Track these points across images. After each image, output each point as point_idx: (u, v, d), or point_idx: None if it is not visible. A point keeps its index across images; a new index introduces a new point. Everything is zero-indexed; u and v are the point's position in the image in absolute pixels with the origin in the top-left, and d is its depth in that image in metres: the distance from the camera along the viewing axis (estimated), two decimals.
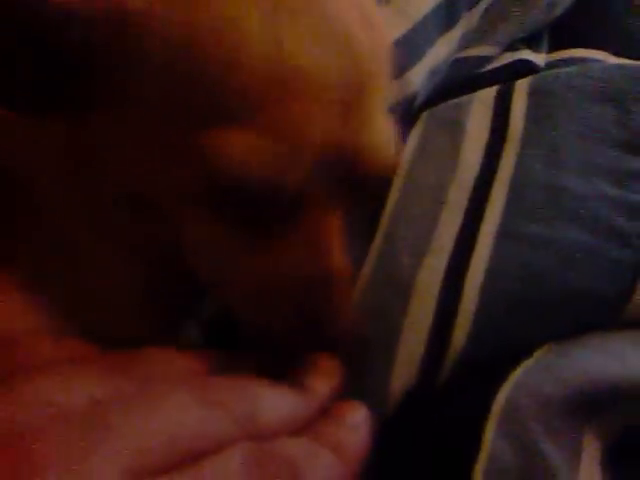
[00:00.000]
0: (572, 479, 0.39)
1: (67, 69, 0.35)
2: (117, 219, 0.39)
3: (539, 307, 0.45)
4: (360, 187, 0.37)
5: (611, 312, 0.45)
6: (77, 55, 0.34)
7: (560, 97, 0.53)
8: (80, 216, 0.40)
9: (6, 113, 0.37)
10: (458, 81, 0.60)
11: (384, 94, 0.37)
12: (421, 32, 0.55)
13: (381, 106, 0.37)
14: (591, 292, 0.45)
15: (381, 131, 0.36)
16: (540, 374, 0.42)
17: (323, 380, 0.38)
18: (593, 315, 0.45)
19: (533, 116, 0.52)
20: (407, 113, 0.55)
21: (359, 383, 0.45)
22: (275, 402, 0.35)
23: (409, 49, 0.54)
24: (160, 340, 0.37)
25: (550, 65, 0.65)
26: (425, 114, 0.55)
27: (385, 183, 0.41)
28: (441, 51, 0.56)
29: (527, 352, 0.44)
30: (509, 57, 0.63)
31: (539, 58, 0.65)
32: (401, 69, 0.54)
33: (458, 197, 0.49)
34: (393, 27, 0.54)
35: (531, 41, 0.66)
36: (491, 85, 0.58)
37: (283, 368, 0.37)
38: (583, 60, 0.65)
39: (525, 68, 0.62)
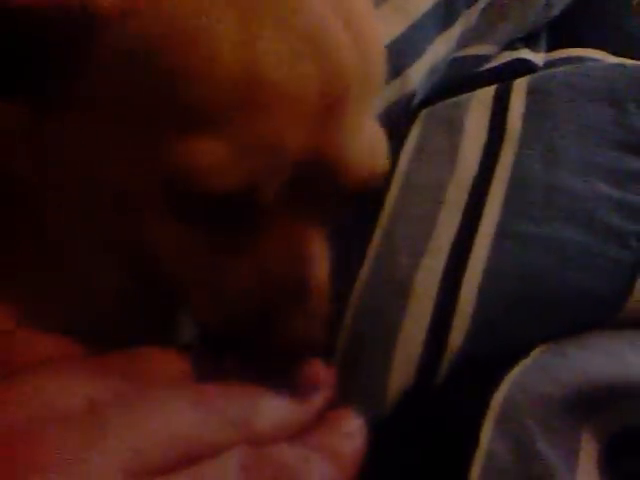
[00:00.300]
0: (570, 479, 0.39)
1: (38, 67, 0.34)
2: (98, 218, 0.39)
3: (537, 307, 0.45)
4: (347, 196, 0.36)
5: (609, 312, 0.45)
6: (47, 54, 0.34)
7: (558, 96, 0.53)
8: (65, 215, 0.40)
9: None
10: (457, 80, 0.60)
11: (372, 100, 0.36)
12: (420, 30, 0.55)
13: (367, 113, 0.36)
14: (589, 292, 0.45)
15: (366, 140, 0.35)
16: (538, 374, 0.42)
17: (318, 388, 0.38)
18: (591, 315, 0.45)
19: (531, 115, 0.52)
20: (406, 111, 0.55)
21: (357, 382, 0.45)
22: (272, 408, 0.35)
23: (408, 47, 0.54)
24: (153, 340, 0.37)
25: (549, 64, 0.65)
26: (424, 113, 0.55)
27: (375, 191, 0.38)
28: (440, 49, 0.56)
29: (525, 352, 0.44)
30: (508, 56, 0.63)
31: (538, 57, 0.65)
32: (400, 67, 0.54)
33: (456, 197, 0.49)
34: (392, 25, 0.54)
35: (530, 40, 0.66)
36: (490, 84, 0.58)
37: (276, 371, 0.36)
38: (581, 59, 0.65)
39: (524, 67, 0.62)
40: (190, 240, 0.35)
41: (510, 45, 0.64)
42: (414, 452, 0.43)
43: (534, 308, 0.45)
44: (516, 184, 0.49)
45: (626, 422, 0.42)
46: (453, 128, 0.53)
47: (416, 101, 0.56)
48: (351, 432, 0.37)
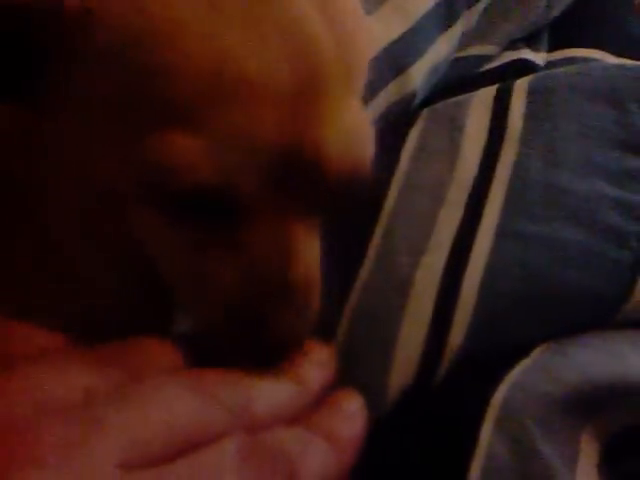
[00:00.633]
0: (569, 479, 0.39)
1: (19, 64, 0.34)
2: (94, 217, 0.39)
3: (537, 306, 0.45)
4: (335, 189, 0.35)
5: (609, 311, 0.45)
6: (28, 50, 0.34)
7: (559, 96, 0.53)
8: (63, 215, 0.40)
9: None
10: (458, 80, 0.60)
11: (354, 89, 0.35)
12: (421, 30, 0.55)
13: (349, 102, 0.35)
14: (589, 291, 0.45)
15: (347, 129, 0.34)
16: (538, 373, 0.42)
17: (317, 369, 0.38)
18: (591, 314, 0.45)
19: (532, 115, 0.52)
20: (407, 111, 0.55)
21: (357, 381, 0.45)
22: (269, 392, 0.35)
23: (409, 47, 0.54)
24: (155, 332, 0.37)
25: (550, 64, 0.65)
26: (424, 112, 0.55)
27: (365, 186, 0.37)
28: (442, 49, 0.56)
29: (525, 351, 0.44)
30: (509, 56, 0.64)
31: (539, 57, 0.65)
32: (401, 67, 0.54)
33: (457, 196, 0.49)
34: (392, 25, 0.54)
35: (531, 40, 0.66)
36: (491, 84, 0.58)
37: (275, 357, 0.36)
38: (583, 60, 0.65)
39: (525, 67, 0.63)
40: (175, 237, 0.35)
41: (511, 45, 0.64)
42: (413, 451, 0.43)
43: (534, 307, 0.45)
44: (516, 183, 0.49)
45: (626, 422, 0.42)
46: (454, 127, 0.53)
47: (417, 101, 0.56)
48: (351, 414, 0.37)
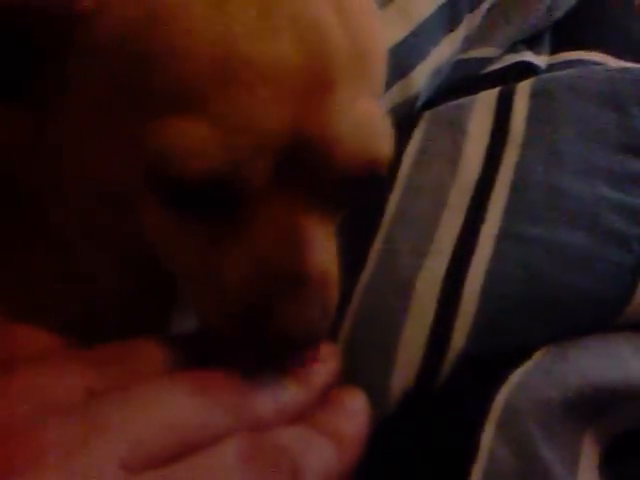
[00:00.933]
0: None
1: (21, 58, 0.34)
2: (97, 216, 0.39)
3: (538, 308, 0.45)
4: (346, 181, 0.35)
5: (610, 314, 0.45)
6: (29, 44, 0.34)
7: (561, 100, 0.53)
8: (67, 214, 0.40)
9: None
10: (460, 82, 0.60)
11: (368, 84, 0.35)
12: (424, 33, 0.55)
13: (361, 96, 0.34)
14: (590, 294, 0.45)
15: (357, 121, 0.34)
16: (539, 377, 0.42)
17: (320, 367, 0.38)
18: (592, 317, 0.45)
19: (534, 118, 0.52)
20: (409, 113, 0.55)
21: (358, 383, 0.45)
22: (272, 391, 0.35)
23: (412, 49, 0.54)
24: (154, 331, 0.37)
25: (551, 67, 0.65)
26: (427, 115, 0.55)
27: (374, 178, 0.36)
28: (444, 51, 0.57)
29: (526, 354, 0.44)
30: (510, 59, 0.64)
31: (540, 60, 0.65)
32: (404, 69, 0.54)
33: (459, 199, 0.49)
34: (396, 27, 0.54)
35: (532, 42, 0.67)
36: (493, 86, 0.58)
37: (276, 357, 0.36)
38: (584, 62, 0.65)
39: (526, 70, 0.63)
40: (181, 231, 0.35)
41: (513, 48, 0.65)
42: (415, 454, 0.43)
43: (536, 310, 0.45)
44: (519, 186, 0.49)
45: (627, 425, 0.42)
46: (456, 130, 0.53)
47: (420, 103, 0.56)
48: (354, 412, 0.37)
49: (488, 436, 0.41)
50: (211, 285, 0.35)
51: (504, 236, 0.47)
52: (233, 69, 0.31)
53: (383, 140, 0.35)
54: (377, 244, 0.49)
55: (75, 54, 0.34)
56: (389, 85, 0.53)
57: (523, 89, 0.54)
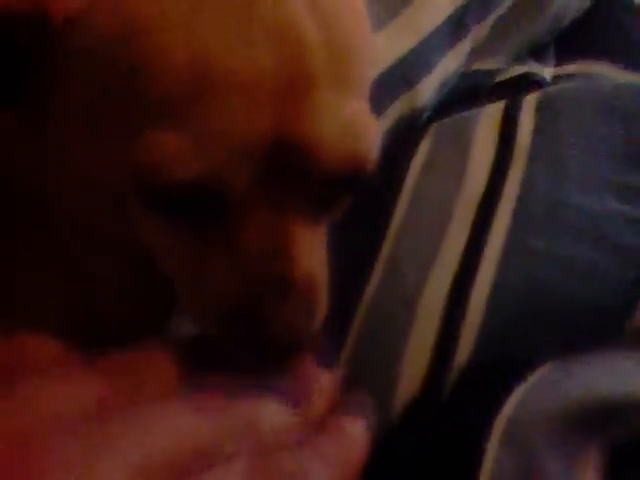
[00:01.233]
0: None
1: (15, 58, 0.34)
2: (95, 217, 0.39)
3: (543, 321, 0.45)
4: (326, 183, 0.34)
5: (613, 327, 0.46)
6: (14, 54, 0.34)
7: (568, 113, 0.53)
8: (67, 216, 0.41)
9: None
10: (466, 93, 0.60)
11: (353, 92, 0.35)
12: (431, 45, 0.55)
13: (345, 102, 0.34)
14: (594, 307, 0.46)
15: (340, 123, 0.33)
16: (544, 391, 0.43)
17: (321, 392, 0.38)
18: (596, 330, 0.46)
19: (540, 132, 0.52)
20: (416, 125, 0.55)
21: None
22: (275, 414, 0.35)
23: (419, 62, 0.54)
24: (154, 333, 0.37)
25: (557, 79, 0.65)
26: (433, 127, 0.56)
27: (360, 178, 0.36)
28: (450, 64, 0.57)
29: (531, 367, 0.44)
30: (516, 70, 0.64)
31: (546, 71, 0.65)
32: (411, 81, 0.54)
33: (465, 211, 0.49)
34: (402, 40, 0.54)
35: (537, 54, 0.67)
36: (499, 98, 0.58)
37: (276, 356, 0.36)
38: (589, 74, 0.66)
39: (532, 81, 0.63)
40: (171, 237, 0.35)
41: (518, 59, 0.65)
42: (419, 466, 0.43)
43: (541, 322, 0.45)
44: (524, 199, 0.49)
45: (630, 437, 0.43)
46: (462, 143, 0.53)
47: (426, 115, 0.56)
48: (354, 438, 0.37)
49: (493, 448, 0.41)
50: (201, 288, 0.36)
51: (509, 249, 0.47)
52: (210, 80, 0.31)
53: (368, 139, 0.35)
54: (383, 256, 0.49)
55: (64, 56, 0.34)
56: (396, 96, 0.54)
57: (529, 103, 0.55)
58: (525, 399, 0.42)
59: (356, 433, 0.37)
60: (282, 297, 0.34)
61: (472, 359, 0.45)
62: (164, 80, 0.31)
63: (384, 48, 0.52)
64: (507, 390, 0.43)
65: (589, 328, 0.46)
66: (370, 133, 0.35)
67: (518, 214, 0.49)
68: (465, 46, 0.58)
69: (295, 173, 0.33)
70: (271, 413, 0.35)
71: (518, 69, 0.64)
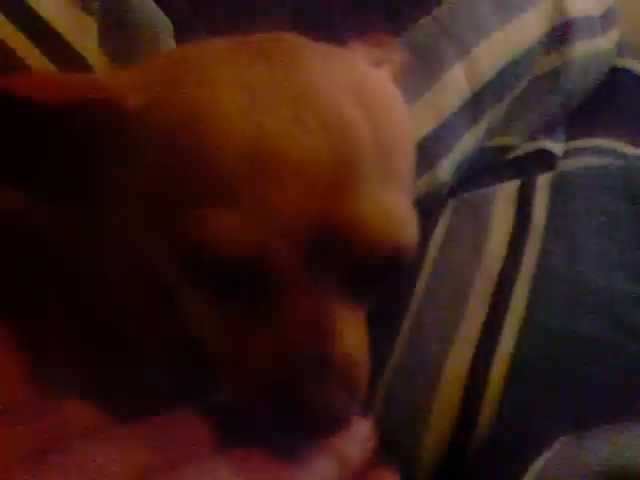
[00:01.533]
0: None
1: (69, 159, 0.37)
2: (140, 298, 0.41)
3: (559, 397, 0.47)
4: (367, 268, 0.36)
5: (629, 405, 0.47)
6: (78, 147, 0.37)
7: (580, 194, 0.56)
8: (114, 297, 0.43)
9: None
10: (483, 169, 0.63)
11: (396, 183, 0.37)
12: (449, 128, 0.58)
13: (389, 192, 0.36)
14: (609, 384, 0.47)
15: (382, 211, 0.35)
16: (560, 466, 0.44)
17: (357, 445, 0.38)
18: (611, 406, 0.47)
19: (554, 212, 0.55)
20: (436, 202, 0.58)
21: (386, 461, 0.47)
22: (311, 469, 0.36)
23: (439, 142, 0.57)
24: (189, 402, 0.39)
25: (568, 154, 0.68)
26: (451, 203, 0.58)
27: (397, 266, 0.38)
28: (468, 144, 0.59)
29: (547, 442, 0.46)
30: (530, 146, 0.67)
31: (557, 147, 0.68)
32: (431, 161, 0.57)
33: (484, 287, 0.52)
34: (423, 122, 0.57)
35: (549, 130, 0.70)
36: (514, 173, 0.61)
37: (312, 434, 0.37)
38: (600, 149, 0.68)
39: (545, 157, 0.66)
40: (216, 311, 0.36)
41: (532, 135, 0.68)
42: None
43: (557, 398, 0.47)
44: (540, 277, 0.51)
45: None
46: (480, 219, 0.56)
47: (445, 191, 0.59)
48: None
49: None
50: (242, 364, 0.37)
51: (527, 326, 0.49)
52: (264, 165, 0.33)
53: (407, 228, 0.37)
54: (405, 328, 0.51)
55: (118, 151, 0.37)
56: (417, 176, 0.56)
57: (544, 182, 0.57)
58: (542, 475, 0.44)
59: None
60: (322, 376, 0.35)
61: (491, 433, 0.46)
62: (219, 162, 0.34)
63: None
64: (525, 465, 0.45)
65: (604, 404, 0.47)
66: (409, 224, 0.37)
67: (535, 292, 0.51)
68: (482, 127, 0.61)
69: (339, 256, 0.35)
70: (308, 468, 0.36)
71: (532, 145, 0.67)
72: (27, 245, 0.43)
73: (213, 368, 0.41)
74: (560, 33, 0.68)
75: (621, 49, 0.79)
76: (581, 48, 0.70)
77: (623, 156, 0.66)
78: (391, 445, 0.47)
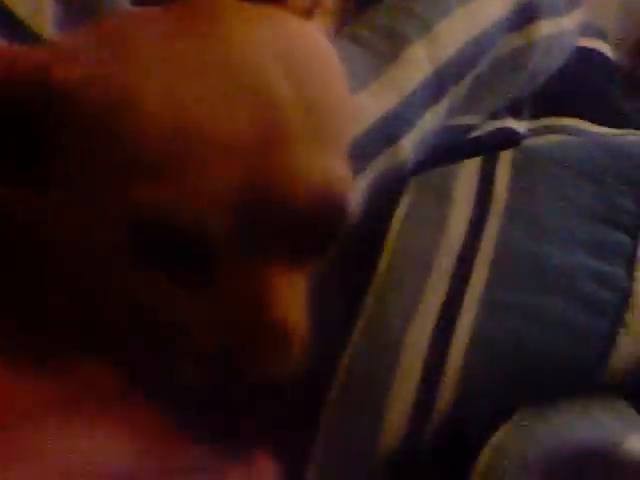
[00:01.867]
0: None
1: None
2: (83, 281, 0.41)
3: (520, 372, 0.47)
4: (303, 232, 0.37)
5: (588, 378, 0.47)
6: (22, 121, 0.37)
7: (541, 171, 0.56)
8: (65, 275, 0.42)
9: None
10: (444, 148, 0.62)
11: (330, 149, 0.38)
12: (411, 104, 0.57)
13: (321, 154, 0.37)
14: (569, 359, 0.48)
15: (315, 176, 0.36)
16: (520, 437, 0.44)
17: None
18: (571, 380, 0.48)
19: (516, 188, 0.55)
20: (397, 180, 0.58)
21: (347, 444, 0.47)
22: None
23: (400, 120, 0.57)
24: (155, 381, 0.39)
25: (532, 132, 0.68)
26: (413, 181, 0.58)
27: (334, 232, 0.39)
28: (429, 122, 0.59)
29: (507, 415, 0.46)
30: (492, 125, 0.66)
31: (521, 126, 0.68)
32: (393, 138, 0.56)
33: (444, 264, 0.51)
34: (384, 100, 0.56)
35: (513, 108, 0.69)
36: (476, 152, 0.60)
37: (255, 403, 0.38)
38: (563, 127, 0.68)
39: (508, 136, 0.66)
40: (156, 286, 0.37)
41: (495, 114, 0.67)
42: None
43: (517, 373, 0.47)
44: (501, 254, 0.51)
45: None
46: (441, 197, 0.55)
47: (407, 169, 0.59)
48: None
49: None
50: (180, 335, 0.37)
51: (487, 302, 0.49)
52: (188, 141, 0.34)
53: (341, 192, 0.38)
54: (368, 304, 0.51)
55: (62, 125, 0.37)
56: (378, 153, 0.56)
57: (505, 159, 0.57)
58: (501, 447, 0.44)
59: None
60: (258, 343, 0.36)
61: (452, 408, 0.46)
62: (148, 142, 0.35)
63: (367, 107, 0.55)
64: (484, 439, 0.45)
65: (565, 378, 0.48)
66: (344, 188, 0.38)
67: (495, 267, 0.51)
68: (443, 105, 0.61)
69: (272, 222, 0.36)
70: None
71: (494, 124, 0.67)
72: None
73: (159, 343, 0.41)
74: (524, 12, 0.68)
75: (586, 29, 0.79)
76: (545, 27, 0.69)
77: (585, 134, 0.66)
78: (352, 424, 0.47)
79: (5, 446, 0.35)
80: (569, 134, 0.66)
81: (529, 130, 0.68)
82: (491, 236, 0.52)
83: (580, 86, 0.74)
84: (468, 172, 0.57)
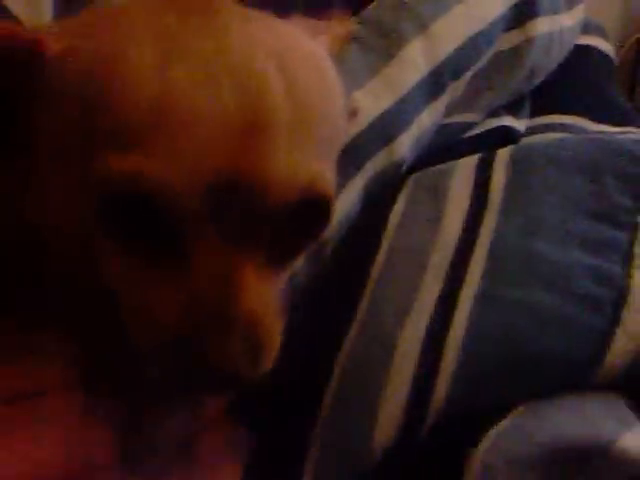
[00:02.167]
0: None
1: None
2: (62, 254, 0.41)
3: (515, 369, 0.47)
4: (276, 226, 0.37)
5: (584, 375, 0.47)
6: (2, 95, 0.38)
7: (538, 168, 0.56)
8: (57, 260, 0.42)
9: None
10: (442, 146, 0.63)
11: (312, 142, 0.38)
12: (409, 102, 0.58)
13: (301, 151, 0.37)
14: (564, 355, 0.47)
15: (292, 169, 0.36)
16: (514, 435, 0.44)
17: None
18: (566, 378, 0.47)
19: (512, 186, 0.55)
20: (394, 178, 0.58)
21: (342, 439, 0.47)
22: None
23: (397, 118, 0.57)
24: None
25: (530, 130, 0.68)
26: (411, 179, 0.58)
27: (309, 231, 0.39)
28: (426, 120, 0.59)
29: (503, 412, 0.46)
30: (491, 123, 0.67)
31: (520, 124, 0.68)
32: (390, 137, 0.56)
33: (440, 261, 0.51)
34: (381, 98, 0.57)
35: (512, 107, 0.69)
36: (474, 150, 0.61)
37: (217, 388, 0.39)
38: (562, 125, 0.68)
39: (506, 134, 0.66)
40: (125, 266, 0.37)
41: (493, 112, 0.67)
42: None
43: (513, 370, 0.47)
44: (497, 251, 0.51)
45: None
46: (438, 195, 0.56)
47: (404, 168, 0.59)
48: None
49: None
50: (146, 317, 0.37)
51: (483, 298, 0.49)
52: (169, 113, 0.34)
53: (318, 191, 0.38)
54: (363, 305, 0.51)
55: (44, 95, 0.38)
56: (375, 152, 0.56)
57: (502, 157, 0.57)
58: (496, 444, 0.44)
59: None
60: (223, 330, 0.35)
61: (446, 405, 0.46)
62: (128, 111, 0.35)
63: (363, 106, 0.55)
64: (479, 436, 0.45)
65: (560, 375, 0.47)
66: (324, 189, 0.38)
67: (491, 265, 0.51)
68: (441, 103, 0.61)
69: (244, 212, 0.36)
70: None
71: (493, 122, 0.67)
72: None
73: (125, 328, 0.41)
74: (523, 9, 0.68)
75: (586, 27, 0.79)
76: (544, 25, 0.69)
77: (585, 131, 0.66)
78: (348, 420, 0.48)
79: None
80: (569, 132, 0.66)
81: (528, 128, 0.68)
82: (487, 233, 0.52)
83: (579, 84, 0.74)
84: (465, 170, 0.57)
